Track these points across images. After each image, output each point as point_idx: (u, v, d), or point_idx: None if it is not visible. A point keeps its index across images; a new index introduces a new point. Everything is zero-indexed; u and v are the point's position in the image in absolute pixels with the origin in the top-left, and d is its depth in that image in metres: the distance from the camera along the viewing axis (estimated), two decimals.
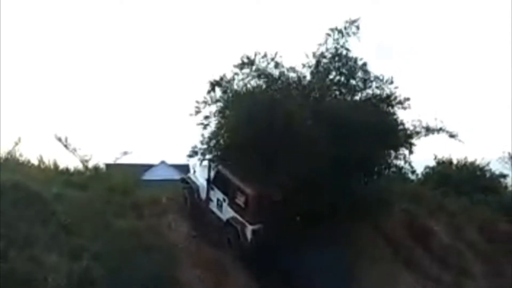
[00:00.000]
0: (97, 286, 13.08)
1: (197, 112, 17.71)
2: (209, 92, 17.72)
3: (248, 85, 17.92)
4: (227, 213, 17.03)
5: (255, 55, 17.69)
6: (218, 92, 17.87)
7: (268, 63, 17.82)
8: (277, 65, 17.86)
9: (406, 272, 18.60)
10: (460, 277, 19.52)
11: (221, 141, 17.82)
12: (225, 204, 17.15)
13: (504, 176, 26.70)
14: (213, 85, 17.68)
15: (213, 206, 17.44)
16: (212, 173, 17.54)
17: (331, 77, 18.40)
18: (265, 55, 17.71)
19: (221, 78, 17.78)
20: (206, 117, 17.80)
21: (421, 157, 21.38)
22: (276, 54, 17.76)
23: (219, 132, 17.83)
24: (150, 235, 15.12)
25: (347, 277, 15.88)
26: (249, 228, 16.47)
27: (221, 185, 17.30)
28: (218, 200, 17.34)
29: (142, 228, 15.15)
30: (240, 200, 16.81)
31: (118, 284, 13.29)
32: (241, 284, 15.62)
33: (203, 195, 17.58)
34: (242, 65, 17.76)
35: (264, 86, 17.89)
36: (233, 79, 17.81)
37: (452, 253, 20.28)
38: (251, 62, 17.70)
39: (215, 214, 17.33)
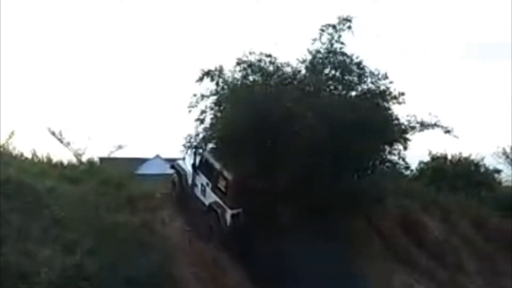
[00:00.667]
0: (90, 281, 12.98)
1: (193, 107, 17.68)
2: (198, 81, 17.73)
3: (245, 80, 17.92)
4: (210, 198, 17.34)
5: (250, 53, 17.72)
6: (212, 84, 17.87)
7: (263, 59, 17.81)
8: (272, 60, 17.85)
9: (400, 267, 18.57)
10: (455, 273, 19.52)
11: (217, 135, 17.70)
12: (208, 189, 17.47)
13: (498, 171, 26.72)
14: (203, 75, 17.70)
15: (197, 191, 17.71)
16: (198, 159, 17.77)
17: (326, 72, 18.39)
18: (261, 53, 17.73)
19: (215, 69, 17.78)
20: (202, 112, 17.78)
21: (415, 152, 21.40)
22: (271, 49, 17.80)
23: (215, 125, 17.75)
24: (145, 230, 15.05)
25: (338, 270, 15.79)
26: (228, 212, 16.67)
27: (205, 170, 17.62)
28: (202, 185, 17.65)
29: (136, 223, 15.06)
30: (222, 184, 17.08)
31: (112, 280, 13.22)
32: (237, 280, 15.53)
33: (190, 181, 17.83)
34: (238, 63, 17.77)
35: (260, 81, 17.86)
36: (227, 71, 17.83)
37: (447, 249, 20.26)
38: (248, 63, 17.74)
39: (199, 199, 17.59)
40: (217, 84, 17.84)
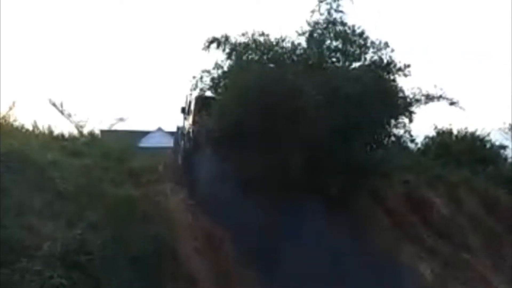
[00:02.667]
0: (93, 255, 12.82)
1: (193, 90, 17.53)
2: (204, 49, 17.51)
3: (240, 60, 17.69)
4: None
5: (243, 34, 17.49)
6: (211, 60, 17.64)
7: (257, 38, 17.57)
8: (267, 37, 17.62)
9: (405, 243, 18.45)
10: (460, 250, 19.41)
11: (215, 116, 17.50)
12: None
13: (504, 147, 26.54)
14: (210, 42, 17.49)
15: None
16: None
17: (327, 43, 18.12)
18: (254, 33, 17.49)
19: (221, 36, 17.56)
20: (201, 90, 17.60)
21: (421, 127, 21.24)
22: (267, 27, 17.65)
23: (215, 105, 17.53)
24: (147, 204, 14.87)
25: (344, 246, 15.69)
26: None
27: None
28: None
29: (139, 196, 14.88)
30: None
31: (114, 254, 13.07)
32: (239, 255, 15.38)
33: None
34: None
35: (255, 59, 17.56)
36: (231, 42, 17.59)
37: (452, 225, 20.16)
38: (244, 45, 17.50)
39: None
40: (224, 50, 17.62)
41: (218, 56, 17.96)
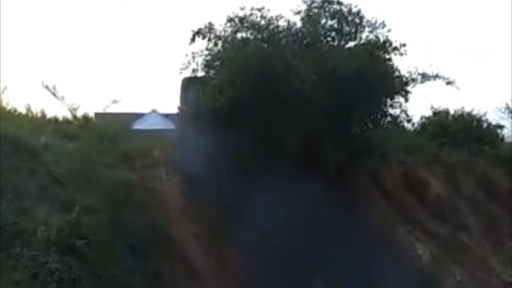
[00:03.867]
0: (88, 239, 12.72)
1: (184, 69, 17.29)
2: (190, 42, 17.28)
3: (235, 37, 17.46)
4: None
5: (241, 9, 17.22)
6: (204, 43, 17.39)
7: (254, 13, 17.33)
8: (264, 14, 17.38)
9: (402, 225, 18.42)
10: (456, 231, 19.38)
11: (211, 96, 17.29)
12: None
13: (501, 127, 26.42)
14: (194, 35, 17.23)
15: None
16: None
17: (322, 22, 17.95)
18: (252, 8, 17.25)
19: (205, 27, 17.29)
20: (194, 71, 17.37)
21: (417, 107, 21.12)
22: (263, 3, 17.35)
23: (209, 85, 17.33)
24: (142, 188, 14.77)
25: (340, 226, 15.62)
26: None
27: None
28: None
29: (134, 180, 14.77)
30: None
31: (110, 238, 12.99)
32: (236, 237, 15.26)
33: None
34: (228, 20, 17.29)
35: (251, 37, 17.39)
36: (218, 27, 17.37)
37: (449, 206, 20.10)
38: (239, 19, 17.25)
39: None
40: (209, 40, 17.37)
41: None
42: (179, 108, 18.93)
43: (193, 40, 17.27)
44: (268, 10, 17.35)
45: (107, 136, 16.32)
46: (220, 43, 17.35)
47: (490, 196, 21.35)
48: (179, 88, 18.49)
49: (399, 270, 16.16)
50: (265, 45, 17.14)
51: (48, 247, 12.31)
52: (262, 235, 14.53)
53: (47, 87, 17.24)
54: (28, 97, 18.13)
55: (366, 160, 17.49)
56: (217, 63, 17.40)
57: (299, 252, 14.95)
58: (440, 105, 26.18)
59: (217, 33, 17.33)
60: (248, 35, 17.41)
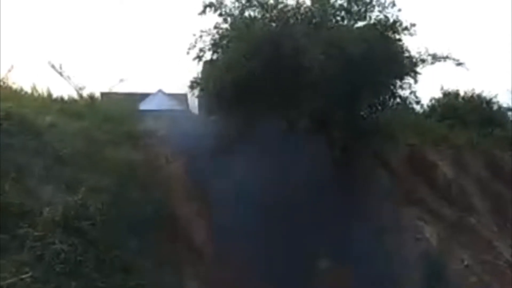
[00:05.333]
0: (93, 220, 12.67)
1: (191, 48, 17.09)
2: (200, 13, 17.05)
3: (243, 15, 17.27)
4: None
5: None
6: (211, 22, 17.17)
7: None
8: None
9: (409, 206, 18.29)
10: (464, 213, 19.25)
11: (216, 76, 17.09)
12: None
13: (511, 109, 26.18)
14: (205, 7, 17.03)
15: None
16: None
17: (332, 1, 17.73)
18: None
19: (216, 1, 17.09)
20: (201, 50, 17.18)
21: (427, 89, 20.90)
22: None
23: (214, 65, 17.15)
24: (147, 168, 14.68)
25: (346, 207, 15.54)
26: None
27: None
28: None
29: (140, 160, 14.68)
30: None
31: (115, 219, 12.93)
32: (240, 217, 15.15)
33: None
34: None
35: (259, 16, 17.19)
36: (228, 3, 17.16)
37: (456, 188, 19.94)
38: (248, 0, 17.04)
39: None
40: (220, 15, 17.17)
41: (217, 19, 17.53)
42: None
43: (203, 12, 17.06)
44: None
45: (113, 116, 16.24)
46: (228, 20, 17.15)
47: (498, 178, 21.16)
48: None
49: (406, 252, 16.14)
50: (273, 24, 16.94)
51: (53, 228, 12.29)
52: (266, 213, 14.46)
53: (53, 66, 17.20)
54: (34, 77, 18.01)
55: (373, 140, 17.29)
56: (225, 42, 17.20)
57: (303, 231, 14.90)
58: (450, 86, 25.95)
59: (227, 10, 17.14)
60: (256, 13, 17.22)
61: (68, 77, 17.33)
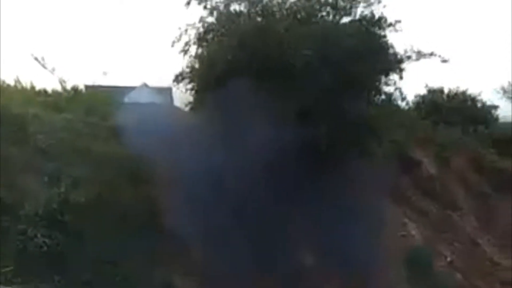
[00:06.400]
0: (76, 214, 12.58)
1: (179, 40, 16.96)
2: (186, 5, 16.93)
3: (228, 10, 17.20)
4: None
5: None
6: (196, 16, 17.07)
7: None
8: None
9: (393, 203, 18.33)
10: (447, 210, 19.37)
11: (201, 70, 16.96)
12: None
13: (495, 107, 26.36)
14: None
15: None
16: None
17: None
18: None
19: None
20: (186, 43, 17.06)
21: (412, 86, 20.91)
22: None
23: (199, 59, 17.05)
24: (132, 162, 14.53)
25: (330, 202, 15.53)
26: None
27: None
28: None
29: (123, 154, 14.52)
30: None
31: (98, 212, 12.83)
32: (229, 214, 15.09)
33: None
34: None
35: (245, 11, 17.14)
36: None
37: (440, 185, 20.05)
38: None
39: None
40: (205, 7, 17.06)
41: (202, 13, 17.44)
42: None
43: (188, 3, 16.94)
44: None
45: (96, 109, 16.09)
46: (214, 14, 17.05)
47: (480, 176, 21.31)
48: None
49: (390, 248, 16.18)
50: (259, 19, 16.87)
51: (36, 222, 12.23)
52: (245, 207, 14.44)
53: (36, 59, 17.02)
54: (17, 69, 17.83)
55: (358, 136, 17.28)
56: (210, 36, 17.10)
57: (286, 226, 14.88)
58: (435, 84, 26.05)
59: (213, 4, 17.04)
60: (242, 8, 17.14)
61: (52, 69, 17.17)
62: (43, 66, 17.13)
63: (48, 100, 16.33)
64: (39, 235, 11.98)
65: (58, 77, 17.43)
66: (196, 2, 16.93)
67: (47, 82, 17.79)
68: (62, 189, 12.79)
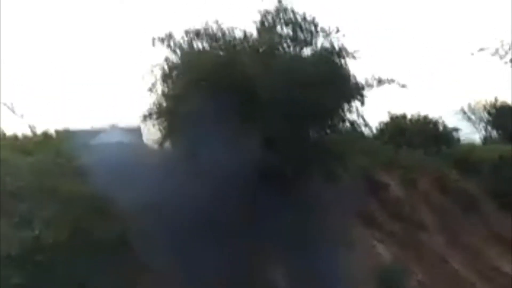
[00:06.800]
0: (49, 253, 12.74)
1: (144, 79, 17.31)
2: (151, 45, 17.34)
3: (191, 48, 17.62)
4: None
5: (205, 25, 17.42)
6: (163, 52, 17.47)
7: (210, 25, 17.53)
8: (219, 25, 17.57)
9: (361, 226, 18.64)
10: (415, 230, 19.70)
11: (168, 107, 17.36)
12: None
13: (456, 129, 27.17)
14: (154, 40, 17.32)
15: None
16: None
17: (278, 30, 18.17)
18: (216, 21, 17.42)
19: (165, 35, 17.40)
20: (153, 83, 17.41)
21: (375, 114, 21.39)
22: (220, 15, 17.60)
23: (166, 97, 17.45)
24: (101, 200, 14.70)
25: (298, 228, 15.82)
26: None
27: None
28: None
29: (91, 192, 14.68)
30: None
31: (71, 251, 13.01)
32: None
33: None
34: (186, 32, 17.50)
35: (207, 47, 17.61)
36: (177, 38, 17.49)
37: (407, 206, 20.43)
38: (195, 32, 17.43)
39: None
40: (169, 47, 17.48)
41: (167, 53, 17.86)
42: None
43: (153, 44, 17.34)
44: (223, 22, 17.61)
45: (65, 151, 16.24)
46: (178, 52, 17.46)
47: (445, 195, 21.75)
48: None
49: (360, 270, 16.42)
50: (222, 53, 17.30)
51: (11, 263, 12.35)
52: (212, 227, 14.68)
53: (5, 105, 17.17)
54: None
55: (324, 163, 17.63)
56: (175, 73, 17.48)
57: (254, 249, 15.19)
58: (398, 110, 26.77)
59: (176, 43, 17.46)
60: (204, 44, 17.57)
61: (21, 115, 17.33)
62: (13, 111, 17.28)
63: (17, 144, 16.51)
64: (15, 275, 12.12)
65: (28, 122, 17.60)
66: (160, 42, 17.47)
67: (17, 128, 17.96)
68: (35, 230, 12.96)
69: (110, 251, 13.58)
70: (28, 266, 12.55)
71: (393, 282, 17.18)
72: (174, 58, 17.55)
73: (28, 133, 18.03)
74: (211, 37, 17.59)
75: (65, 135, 19.16)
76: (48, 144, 17.01)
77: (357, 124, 18.75)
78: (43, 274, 12.62)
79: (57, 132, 19.68)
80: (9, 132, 17.81)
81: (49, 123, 18.90)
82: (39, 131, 18.13)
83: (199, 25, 17.49)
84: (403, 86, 18.61)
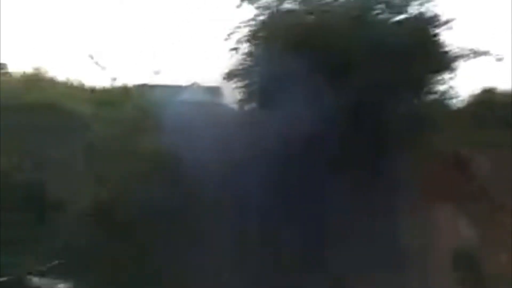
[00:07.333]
0: (124, 212, 12.77)
1: (229, 37, 17.06)
2: (238, 6, 17.00)
3: (280, 7, 17.19)
4: None
5: None
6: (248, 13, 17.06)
7: None
8: None
9: (443, 206, 18.02)
10: (498, 211, 18.80)
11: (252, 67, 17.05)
12: None
13: None
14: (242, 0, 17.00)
15: None
16: None
17: None
18: None
19: None
20: (238, 41, 17.14)
21: (465, 85, 20.65)
22: None
23: (251, 57, 17.13)
24: (179, 159, 14.63)
25: (382, 202, 15.68)
26: None
27: None
28: None
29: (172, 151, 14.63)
30: None
31: (146, 209, 12.98)
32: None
33: None
34: None
35: (297, 9, 17.11)
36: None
37: (491, 185, 19.52)
38: None
39: None
40: (257, 7, 17.16)
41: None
42: None
43: (240, 4, 17.07)
44: None
45: (144, 106, 16.26)
46: (265, 12, 17.11)
47: None
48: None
49: (440, 251, 16.08)
50: (312, 17, 16.85)
51: (87, 219, 12.46)
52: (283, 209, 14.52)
53: (90, 56, 17.27)
54: (70, 66, 18.12)
55: (411, 138, 17.14)
56: (262, 34, 17.15)
57: (337, 219, 14.99)
58: (490, 83, 25.70)
59: (264, 3, 17.11)
60: (294, 6, 17.15)
61: (104, 67, 17.41)
62: (95, 63, 17.38)
63: (99, 98, 16.56)
64: (90, 232, 12.22)
65: (109, 75, 17.67)
66: (247, 2, 17.14)
67: (98, 80, 18.08)
68: (112, 186, 12.99)
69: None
70: (107, 224, 12.62)
71: (473, 263, 16.71)
72: (261, 18, 17.23)
73: (107, 85, 18.12)
74: None
75: (145, 90, 19.24)
76: (129, 99, 17.02)
77: (447, 96, 18.17)
78: (121, 233, 12.68)
79: (136, 86, 19.78)
80: (91, 84, 17.88)
81: (130, 77, 18.96)
82: (120, 84, 18.18)
83: None
84: (500, 59, 17.92)
